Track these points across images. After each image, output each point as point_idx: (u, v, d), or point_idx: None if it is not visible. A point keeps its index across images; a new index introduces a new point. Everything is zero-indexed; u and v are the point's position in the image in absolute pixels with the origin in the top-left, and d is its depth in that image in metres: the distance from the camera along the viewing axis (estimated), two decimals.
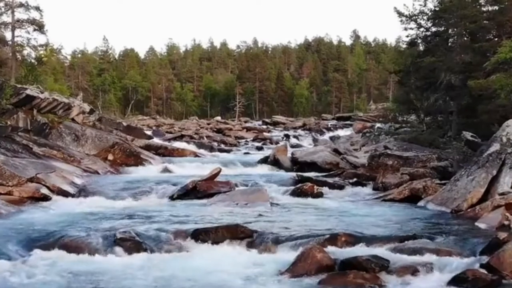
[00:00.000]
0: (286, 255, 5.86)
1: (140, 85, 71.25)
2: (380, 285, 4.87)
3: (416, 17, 20.38)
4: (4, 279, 5.06)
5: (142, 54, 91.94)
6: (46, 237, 6.39)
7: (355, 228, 6.90)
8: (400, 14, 20.49)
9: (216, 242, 6.47)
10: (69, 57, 62.33)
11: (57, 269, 5.45)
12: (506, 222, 6.73)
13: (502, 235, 5.62)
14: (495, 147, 8.69)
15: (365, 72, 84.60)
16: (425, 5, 19.39)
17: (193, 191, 11.17)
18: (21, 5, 19.43)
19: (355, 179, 13.11)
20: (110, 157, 16.77)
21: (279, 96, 76.30)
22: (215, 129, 37.18)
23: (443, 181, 10.81)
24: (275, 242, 6.33)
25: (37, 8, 19.38)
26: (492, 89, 12.01)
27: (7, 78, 16.84)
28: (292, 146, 24.82)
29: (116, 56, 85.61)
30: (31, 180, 10.70)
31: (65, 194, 10.72)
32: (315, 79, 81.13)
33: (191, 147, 23.45)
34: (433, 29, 20.29)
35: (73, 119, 17.48)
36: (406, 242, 6.03)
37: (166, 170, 16.08)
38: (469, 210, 8.01)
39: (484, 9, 17.19)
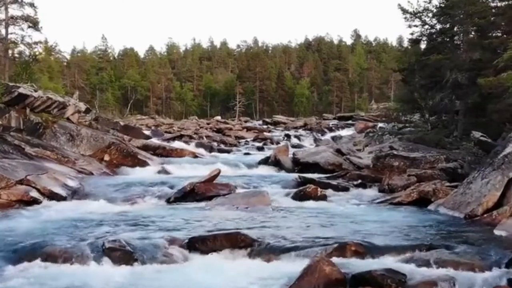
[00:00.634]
0: (291, 266, 5.34)
1: (139, 85, 70.72)
2: None
3: (421, 14, 19.87)
4: None
5: (142, 54, 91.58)
6: (28, 245, 5.88)
7: (364, 236, 6.38)
8: (404, 11, 20.00)
9: (214, 251, 5.96)
10: (66, 55, 61.66)
11: (38, 281, 4.95)
12: None
13: None
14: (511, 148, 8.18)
15: (366, 71, 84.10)
16: (430, 2, 18.89)
17: (191, 194, 10.67)
18: (15, 1, 18.88)
19: (359, 181, 12.61)
20: (106, 157, 16.26)
21: (280, 95, 75.81)
22: (215, 129, 36.69)
23: (453, 184, 10.33)
24: (278, 251, 5.81)
25: (31, 5, 18.86)
26: (504, 87, 11.49)
27: (0, 76, 16.31)
28: (293, 146, 24.37)
29: (115, 55, 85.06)
30: (20, 182, 10.17)
31: (57, 197, 10.18)
32: (315, 78, 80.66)
33: (190, 147, 22.99)
34: (438, 26, 19.80)
35: (68, 119, 16.97)
36: (421, 252, 5.51)
37: (163, 171, 15.60)
38: (485, 215, 7.49)
39: (493, 4, 16.69)
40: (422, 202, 9.76)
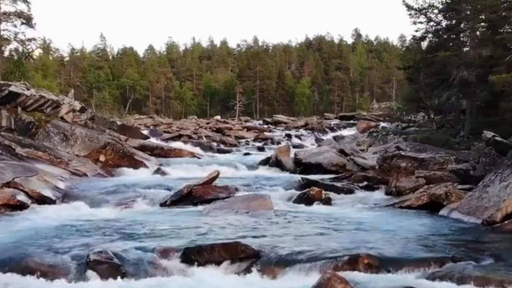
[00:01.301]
0: (297, 281, 4.78)
1: (138, 84, 70.06)
2: None
3: (426, 10, 19.33)
4: None
5: (141, 53, 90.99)
6: (5, 258, 5.30)
7: (376, 246, 5.81)
8: (408, 7, 19.45)
9: (211, 263, 5.39)
10: (61, 52, 60.75)
11: None
12: None
13: None
14: None
15: (367, 70, 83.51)
16: None
17: (188, 197, 10.09)
18: None
19: (365, 183, 12.03)
20: (102, 158, 15.69)
21: (280, 95, 75.19)
22: (214, 129, 36.14)
23: (466, 186, 9.76)
24: (282, 264, 5.24)
25: (25, 0, 18.22)
26: None
27: None
28: (294, 146, 23.87)
29: (114, 54, 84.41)
30: (7, 185, 9.60)
31: (46, 200, 9.62)
32: (316, 77, 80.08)
33: (189, 148, 22.45)
34: (444, 23, 19.25)
35: (62, 118, 16.39)
36: (443, 266, 4.93)
37: (161, 172, 15.05)
38: (506, 222, 6.91)
39: None
40: (433, 206, 9.19)
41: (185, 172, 15.14)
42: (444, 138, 15.64)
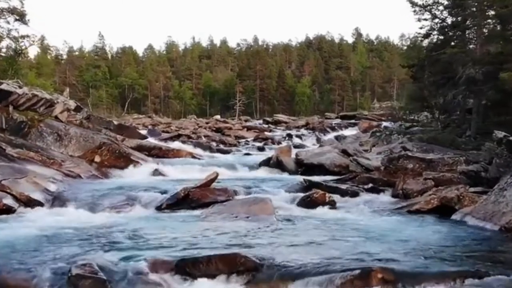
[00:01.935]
0: None
1: (136, 83, 69.47)
2: None
3: (431, 7, 18.86)
4: None
5: (141, 53, 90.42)
6: None
7: (388, 256, 5.31)
8: (413, 4, 19.00)
9: (207, 277, 4.88)
10: (55, 50, 59.92)
11: None
12: None
13: None
14: None
15: (368, 69, 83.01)
16: None
17: (185, 200, 9.59)
18: None
19: (370, 185, 11.53)
20: (97, 158, 15.15)
21: (281, 94, 74.70)
22: (214, 129, 35.66)
23: (478, 189, 9.26)
24: (285, 278, 4.72)
25: None
26: None
27: None
28: (295, 146, 23.41)
29: (113, 53, 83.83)
30: None
31: (34, 204, 9.09)
32: (317, 77, 79.60)
33: (188, 148, 21.97)
34: (449, 20, 18.78)
35: (56, 117, 15.85)
36: (466, 281, 4.41)
37: (158, 173, 14.56)
38: None
39: None
40: (444, 210, 8.68)
41: (183, 173, 14.69)
42: (451, 138, 15.15)
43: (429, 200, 9.05)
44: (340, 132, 33.05)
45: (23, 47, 17.91)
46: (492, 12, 17.18)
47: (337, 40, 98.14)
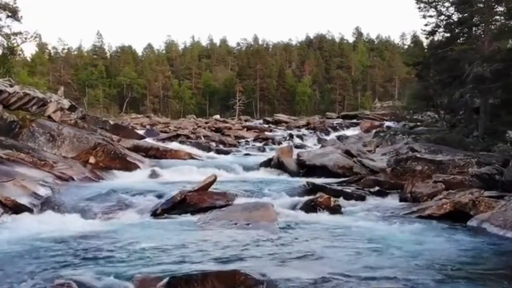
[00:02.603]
0: None
1: (135, 82, 68.80)
2: None
3: (436, 3, 18.31)
4: None
5: (140, 52, 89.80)
6: None
7: (406, 273, 4.76)
8: (418, 0, 18.44)
9: None
10: (50, 47, 58.94)
11: None
12: None
13: None
14: None
15: (369, 69, 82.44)
16: None
17: (181, 205, 9.03)
18: None
19: (376, 188, 10.99)
20: (92, 160, 14.60)
21: (281, 94, 74.10)
22: (213, 128, 35.07)
23: (493, 193, 8.71)
24: None
25: None
26: None
27: None
28: (296, 147, 22.87)
29: (111, 52, 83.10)
30: None
31: (21, 209, 8.52)
32: (317, 76, 79.03)
33: (187, 148, 21.39)
34: (455, 16, 18.22)
35: (49, 117, 15.30)
36: None
37: (155, 175, 14.03)
38: None
39: None
40: (457, 215, 8.14)
41: (181, 174, 14.18)
42: (458, 139, 14.59)
43: (442, 205, 8.49)
44: (342, 132, 32.47)
45: (15, 44, 17.35)
46: (500, 8, 16.65)
47: (337, 40, 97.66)
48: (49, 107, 15.20)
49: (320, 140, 29.27)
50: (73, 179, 12.38)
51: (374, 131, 26.69)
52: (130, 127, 24.53)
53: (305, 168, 14.99)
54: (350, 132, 32.03)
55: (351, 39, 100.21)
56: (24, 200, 8.93)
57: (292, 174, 14.73)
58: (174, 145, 22.06)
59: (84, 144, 14.73)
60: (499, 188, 9.05)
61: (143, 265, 5.03)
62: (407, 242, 6.39)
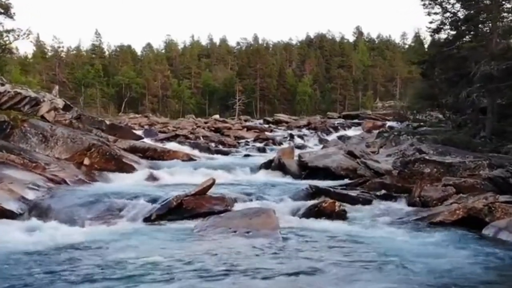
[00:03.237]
0: None
1: (134, 82, 68.15)
2: None
3: (442, 0, 17.79)
4: None
5: (139, 52, 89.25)
6: None
7: None
8: None
9: None
10: (44, 44, 58.04)
11: None
12: None
13: None
14: None
15: (370, 68, 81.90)
16: None
17: (177, 210, 8.55)
18: None
19: (383, 191, 10.47)
20: (86, 161, 14.07)
21: (281, 93, 73.52)
22: (213, 129, 34.53)
23: (508, 198, 8.19)
24: None
25: None
26: None
27: None
28: (297, 147, 22.39)
29: (110, 51, 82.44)
30: None
31: (6, 215, 8.05)
32: (318, 76, 78.46)
33: (185, 149, 20.91)
34: (460, 14, 17.70)
35: (42, 117, 14.77)
36: None
37: (151, 177, 13.51)
38: None
39: None
40: (471, 222, 7.64)
41: (179, 176, 13.68)
42: (466, 140, 14.07)
43: (454, 211, 7.98)
44: (344, 132, 31.96)
45: (7, 42, 16.79)
46: (508, 5, 16.15)
47: (338, 39, 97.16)
48: (42, 107, 14.67)
49: (321, 141, 28.78)
50: (65, 182, 11.85)
51: (376, 131, 26.20)
52: (127, 127, 23.99)
53: (307, 170, 14.52)
54: (351, 132, 31.52)
55: (351, 38, 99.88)
56: (10, 205, 8.45)
57: (294, 176, 14.26)
58: (172, 146, 21.60)
59: (78, 145, 14.20)
60: None
61: (128, 283, 4.51)
62: (419, 254, 5.88)
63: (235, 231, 6.95)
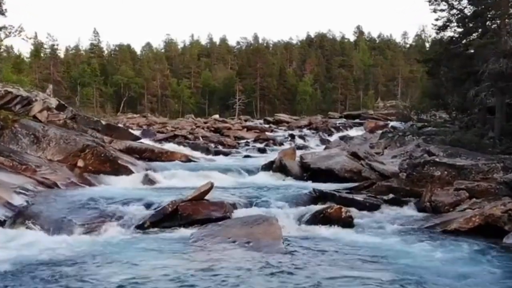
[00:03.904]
0: None
1: (133, 81, 67.47)
2: None
3: None
4: None
5: (139, 52, 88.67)
6: None
7: None
8: None
9: None
10: (33, 41, 57.16)
11: None
12: None
13: None
14: None
15: (372, 68, 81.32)
16: None
17: (173, 216, 8.04)
18: None
19: (390, 195, 9.91)
20: (80, 163, 13.50)
21: (282, 93, 72.90)
22: (212, 129, 33.95)
23: None
24: None
25: None
26: None
27: None
28: (298, 148, 21.83)
29: (109, 51, 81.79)
30: None
31: None
32: (318, 75, 77.88)
33: (184, 149, 20.41)
34: (466, 10, 17.14)
35: (35, 117, 14.20)
36: None
37: (148, 179, 12.97)
38: None
39: None
40: (488, 230, 7.11)
41: (176, 179, 13.20)
42: (476, 140, 13.51)
43: (470, 218, 7.44)
44: (345, 132, 31.39)
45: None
46: None
47: (338, 38, 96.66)
48: (34, 106, 14.10)
49: (323, 141, 28.25)
50: (56, 185, 11.31)
51: (379, 131, 25.64)
52: (124, 128, 23.46)
53: (309, 172, 13.99)
54: (354, 132, 30.96)
55: (352, 38, 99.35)
56: None
57: (296, 178, 13.77)
58: (170, 146, 21.12)
59: (72, 146, 13.62)
60: None
61: None
62: (439, 270, 5.33)
63: (234, 241, 6.40)
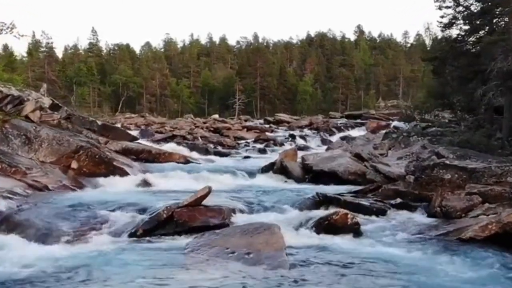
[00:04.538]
0: None
1: (131, 81, 66.91)
2: None
3: None
4: None
5: (138, 51, 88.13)
6: None
7: None
8: None
9: None
10: (29, 39, 56.55)
11: None
12: None
13: None
14: None
15: (373, 67, 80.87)
16: None
17: (167, 223, 7.52)
18: None
19: (398, 200, 9.40)
20: (74, 165, 12.99)
21: (282, 93, 72.44)
22: (211, 129, 33.48)
23: None
24: None
25: None
26: None
27: None
28: (299, 148, 21.35)
29: (107, 50, 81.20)
30: None
31: None
32: (319, 75, 77.43)
33: (182, 150, 19.92)
34: (473, 7, 16.66)
35: (27, 117, 13.70)
36: None
37: (144, 182, 12.46)
38: None
39: None
40: (506, 238, 6.60)
41: (173, 181, 12.66)
42: (484, 142, 13.03)
43: (486, 225, 6.91)
44: (347, 133, 30.90)
45: None
46: None
47: (338, 38, 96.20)
48: (26, 106, 13.59)
49: (324, 141, 27.77)
50: (47, 188, 10.79)
51: (381, 131, 25.17)
52: (121, 128, 22.96)
53: (311, 174, 13.55)
54: (355, 132, 30.46)
55: (352, 37, 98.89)
56: None
57: (297, 180, 13.32)
58: (169, 147, 20.64)
59: (65, 147, 13.11)
60: None
61: None
62: (457, 285, 4.83)
63: (233, 252, 5.90)
